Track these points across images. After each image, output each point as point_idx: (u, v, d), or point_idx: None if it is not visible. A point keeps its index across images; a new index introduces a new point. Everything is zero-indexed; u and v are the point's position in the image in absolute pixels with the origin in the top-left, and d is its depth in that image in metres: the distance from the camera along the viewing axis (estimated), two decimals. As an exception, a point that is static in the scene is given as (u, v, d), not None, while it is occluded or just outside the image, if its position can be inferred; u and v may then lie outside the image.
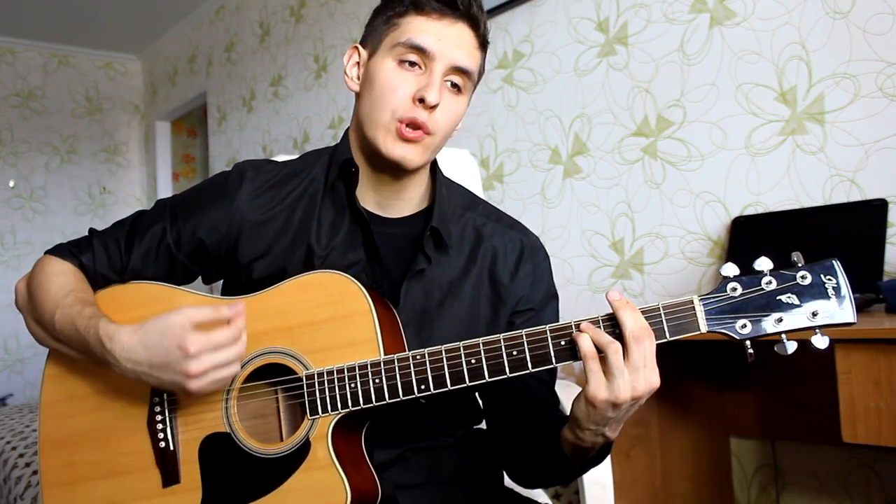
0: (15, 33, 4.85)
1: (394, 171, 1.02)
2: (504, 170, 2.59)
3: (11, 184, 4.88)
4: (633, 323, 0.81)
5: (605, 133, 2.27)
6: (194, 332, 0.86)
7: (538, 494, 1.48)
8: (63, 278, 1.01)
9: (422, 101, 0.95)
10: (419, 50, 0.96)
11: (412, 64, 0.97)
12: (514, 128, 2.56)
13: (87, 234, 1.08)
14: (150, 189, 5.41)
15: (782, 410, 1.89)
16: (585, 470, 0.97)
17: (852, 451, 1.80)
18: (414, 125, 0.96)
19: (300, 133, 3.68)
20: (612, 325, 0.83)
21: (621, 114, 2.23)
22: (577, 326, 0.84)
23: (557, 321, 1.09)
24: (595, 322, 0.84)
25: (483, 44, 1.02)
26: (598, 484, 1.39)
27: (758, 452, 2.00)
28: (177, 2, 4.49)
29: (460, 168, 1.67)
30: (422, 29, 0.96)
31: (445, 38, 0.96)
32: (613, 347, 0.80)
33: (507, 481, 1.14)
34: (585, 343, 0.82)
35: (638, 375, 0.80)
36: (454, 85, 0.99)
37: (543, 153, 2.46)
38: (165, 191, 5.27)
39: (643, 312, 0.83)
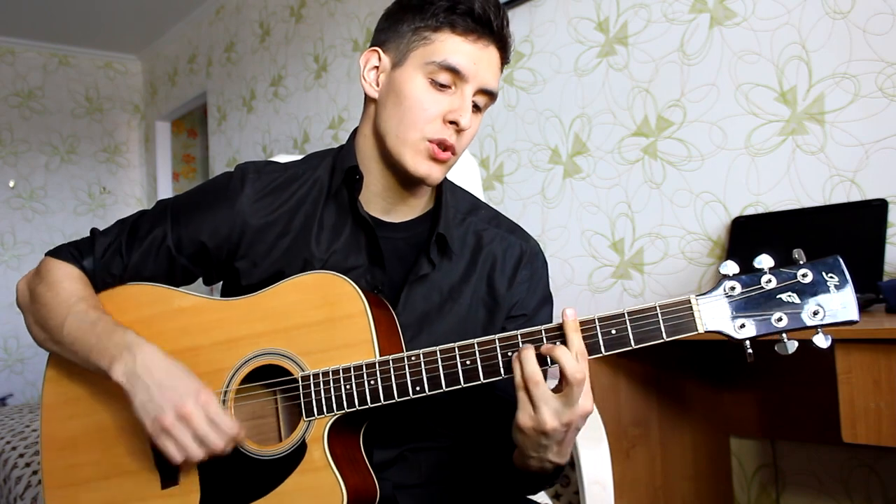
0: (15, 33, 4.85)
1: (412, 184, 1.02)
2: (504, 170, 2.58)
3: (11, 184, 4.88)
4: (569, 358, 0.80)
5: (605, 133, 2.27)
6: (213, 402, 0.90)
7: (538, 494, 1.47)
8: (71, 284, 1.01)
9: (453, 123, 0.96)
10: (453, 72, 0.95)
11: (443, 85, 0.96)
12: (514, 128, 2.55)
13: (89, 234, 1.08)
14: (150, 189, 5.41)
15: (782, 410, 1.89)
16: (542, 488, 0.99)
17: (852, 451, 1.80)
18: (444, 146, 0.96)
19: (300, 133, 3.68)
20: (558, 335, 0.83)
21: (621, 114, 2.22)
22: (522, 343, 0.85)
23: (551, 323, 1.08)
24: (538, 336, 0.84)
25: (505, 62, 1.02)
26: (598, 484, 1.38)
27: (758, 452, 2.00)
28: (177, 2, 4.49)
29: (460, 168, 1.66)
30: (457, 50, 0.95)
31: (479, 61, 0.96)
32: (534, 380, 0.81)
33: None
34: (516, 371, 0.82)
35: (566, 405, 0.80)
36: (476, 105, 0.99)
37: (543, 153, 2.46)
38: (165, 191, 5.27)
39: (640, 312, 0.82)
